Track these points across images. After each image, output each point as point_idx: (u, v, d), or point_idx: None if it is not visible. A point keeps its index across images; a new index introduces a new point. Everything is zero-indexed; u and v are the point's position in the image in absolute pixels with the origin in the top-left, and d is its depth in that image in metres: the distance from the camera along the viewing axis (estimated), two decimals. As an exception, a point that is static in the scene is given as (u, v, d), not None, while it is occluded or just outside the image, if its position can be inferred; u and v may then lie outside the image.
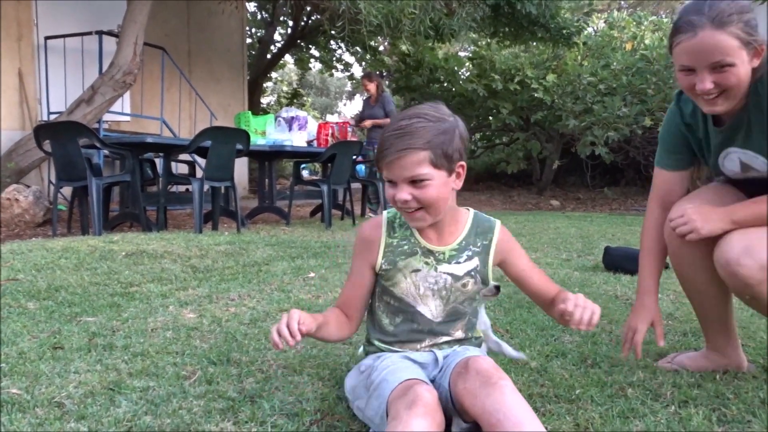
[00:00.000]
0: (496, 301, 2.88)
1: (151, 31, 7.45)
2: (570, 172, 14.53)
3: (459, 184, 1.50)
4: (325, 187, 6.57)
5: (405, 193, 1.42)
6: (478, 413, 1.31)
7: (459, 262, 1.59)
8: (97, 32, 7.58)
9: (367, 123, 8.42)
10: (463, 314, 1.63)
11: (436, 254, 1.58)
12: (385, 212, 1.65)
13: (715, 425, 1.57)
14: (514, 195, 13.62)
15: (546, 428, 1.54)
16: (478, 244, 1.61)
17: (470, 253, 1.60)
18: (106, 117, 7.75)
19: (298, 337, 1.38)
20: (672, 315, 2.65)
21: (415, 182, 1.42)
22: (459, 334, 1.63)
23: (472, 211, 1.66)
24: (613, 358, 2.07)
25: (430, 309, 1.59)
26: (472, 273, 1.59)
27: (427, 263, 1.58)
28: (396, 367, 1.45)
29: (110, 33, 7.64)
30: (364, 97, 8.97)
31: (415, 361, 1.55)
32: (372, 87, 8.54)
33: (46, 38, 7.94)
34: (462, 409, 1.38)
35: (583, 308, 1.42)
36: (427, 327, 1.60)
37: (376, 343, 1.64)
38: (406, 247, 1.58)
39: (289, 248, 4.54)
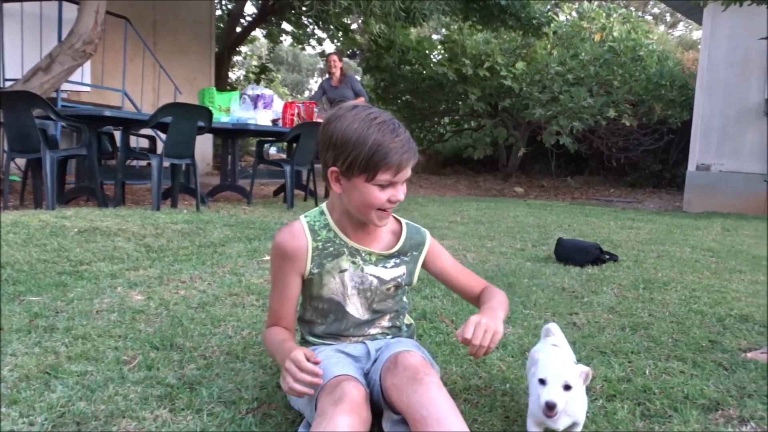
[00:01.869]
0: (445, 291, 2.93)
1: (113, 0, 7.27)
2: (535, 159, 14.70)
3: None
4: (288, 168, 6.53)
5: (403, 193, 1.51)
6: (404, 408, 1.35)
7: (386, 267, 1.62)
8: (57, -2, 7.36)
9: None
10: (387, 310, 1.67)
11: (363, 254, 1.60)
12: (302, 218, 1.63)
13: (638, 419, 1.63)
14: (480, 180, 13.73)
15: (476, 419, 1.59)
16: (408, 254, 1.65)
17: (398, 261, 1.64)
18: (65, 87, 7.55)
19: (320, 372, 1.38)
20: (613, 309, 2.72)
21: (403, 182, 1.51)
22: (385, 323, 1.68)
23: (403, 221, 1.69)
24: (551, 352, 2.12)
25: (357, 308, 1.62)
26: (398, 279, 1.64)
27: (353, 263, 1.60)
28: (328, 362, 1.47)
29: (71, 0, 7.42)
30: (324, 78, 8.68)
31: (348, 354, 1.58)
32: (341, 65, 8.45)
33: (3, 2, 7.66)
34: (391, 403, 1.42)
35: (482, 335, 1.42)
36: (355, 324, 1.64)
37: (309, 338, 1.67)
38: (331, 248, 1.59)
39: (247, 229, 4.52)
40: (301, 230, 1.59)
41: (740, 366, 2.02)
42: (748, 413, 1.66)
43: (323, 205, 1.66)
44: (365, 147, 1.42)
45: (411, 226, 1.69)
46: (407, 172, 1.49)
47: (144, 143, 7.90)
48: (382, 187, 1.46)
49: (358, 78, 9.18)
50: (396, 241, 1.64)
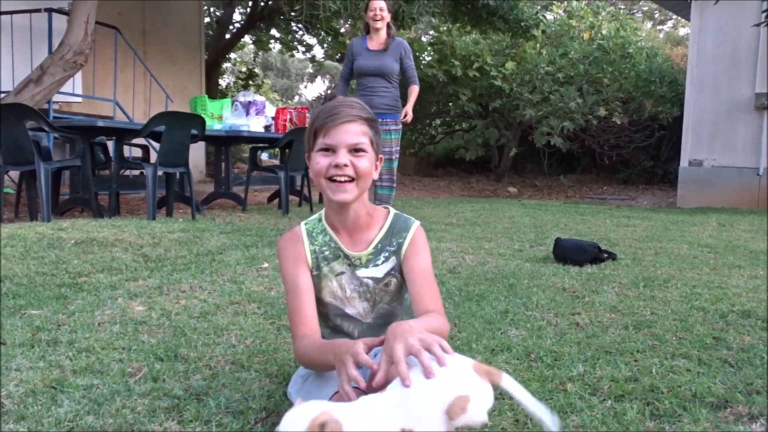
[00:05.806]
0: (446, 294, 2.92)
1: (103, 10, 7.23)
2: (528, 159, 14.73)
3: (376, 175, 1.59)
4: (282, 174, 6.52)
5: (345, 158, 1.49)
6: None
7: (377, 265, 1.62)
8: (46, 9, 7.32)
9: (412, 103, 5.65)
10: (394, 316, 1.67)
11: (353, 259, 1.61)
12: (302, 224, 1.67)
13: (648, 419, 1.63)
14: (473, 181, 13.75)
15: (487, 424, 1.59)
16: (394, 244, 1.63)
17: (387, 254, 1.63)
18: (57, 98, 7.52)
19: (362, 382, 1.26)
20: (615, 308, 2.73)
21: (355, 151, 1.51)
22: None
23: (392, 211, 1.68)
24: (557, 352, 2.13)
25: (358, 310, 1.64)
26: (392, 272, 1.63)
27: (349, 265, 1.62)
28: (333, 373, 1.46)
29: (60, 11, 7.38)
30: (361, 36, 5.47)
31: None
32: (388, 20, 5.25)
33: (-7, 15, 7.64)
34: None
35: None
36: (358, 328, 1.64)
37: None
38: (327, 252, 1.62)
39: (244, 236, 4.51)
40: (298, 235, 1.64)
41: (746, 363, 2.02)
42: (757, 410, 1.66)
43: (322, 212, 1.69)
44: (311, 121, 1.53)
45: (399, 215, 1.67)
46: (344, 135, 1.48)
47: (137, 153, 7.88)
48: (324, 153, 1.50)
49: None
50: (378, 233, 1.63)
